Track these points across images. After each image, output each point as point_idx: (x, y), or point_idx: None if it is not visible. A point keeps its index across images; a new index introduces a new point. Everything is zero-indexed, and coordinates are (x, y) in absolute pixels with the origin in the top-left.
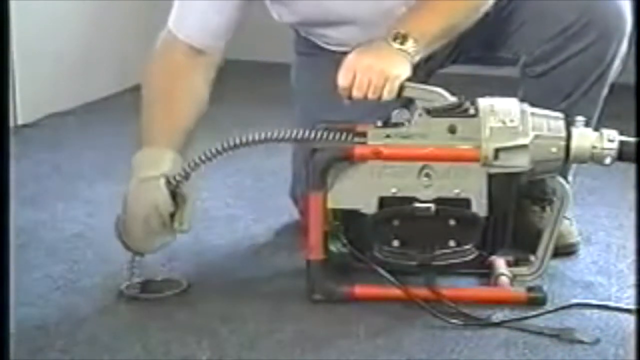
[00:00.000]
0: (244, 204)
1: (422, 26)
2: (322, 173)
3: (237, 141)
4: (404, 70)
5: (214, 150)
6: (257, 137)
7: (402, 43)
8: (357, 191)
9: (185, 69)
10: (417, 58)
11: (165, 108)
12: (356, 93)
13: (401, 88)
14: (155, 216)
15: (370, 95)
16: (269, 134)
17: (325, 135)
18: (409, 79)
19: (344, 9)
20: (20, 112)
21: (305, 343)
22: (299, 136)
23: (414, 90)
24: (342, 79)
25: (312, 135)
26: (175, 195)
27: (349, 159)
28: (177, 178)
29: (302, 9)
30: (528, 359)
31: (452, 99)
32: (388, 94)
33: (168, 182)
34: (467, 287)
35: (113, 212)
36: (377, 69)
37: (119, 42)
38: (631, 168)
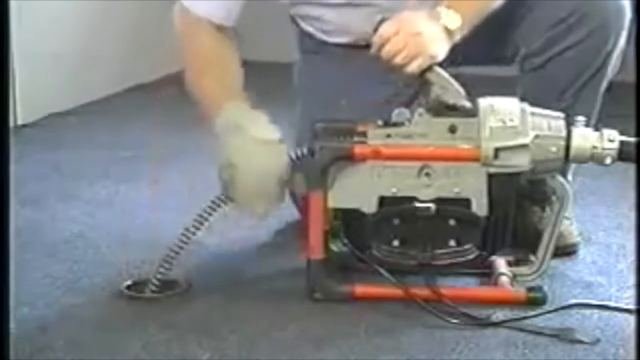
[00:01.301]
0: None
1: (465, 4)
2: (322, 172)
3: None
4: (441, 52)
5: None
6: None
7: (448, 20)
8: (357, 191)
9: (218, 41)
10: (456, 38)
11: (224, 73)
12: (389, 48)
13: (428, 68)
14: (277, 180)
15: (397, 59)
16: None
17: (327, 133)
18: (439, 64)
19: None
20: (20, 112)
21: (305, 343)
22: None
23: (439, 76)
24: (385, 29)
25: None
26: None
27: (349, 158)
28: (302, 154)
29: None
30: (528, 359)
31: (467, 103)
32: (416, 68)
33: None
34: (467, 287)
35: (113, 212)
36: (420, 40)
37: (119, 42)
38: (631, 168)
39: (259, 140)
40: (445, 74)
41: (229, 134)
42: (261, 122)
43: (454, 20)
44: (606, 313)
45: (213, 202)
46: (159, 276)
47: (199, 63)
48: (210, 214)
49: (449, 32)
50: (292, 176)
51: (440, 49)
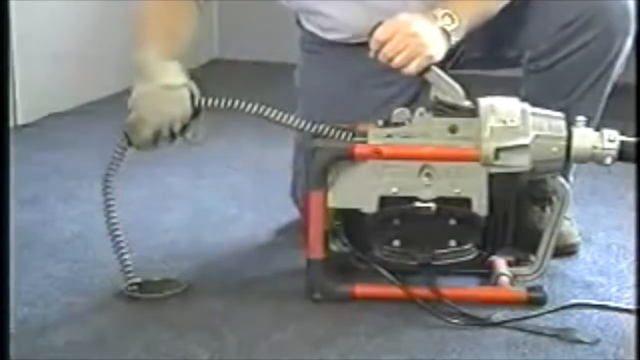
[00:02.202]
0: (244, 203)
1: (464, 7)
2: (322, 172)
3: (250, 109)
4: (439, 53)
5: (233, 103)
6: (270, 114)
7: (445, 22)
8: (357, 190)
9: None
10: (454, 40)
11: (165, 23)
12: (386, 51)
13: (427, 69)
14: (172, 124)
15: (396, 61)
16: (280, 115)
17: (326, 131)
18: (437, 64)
19: None
20: (21, 112)
21: (305, 343)
22: (303, 127)
23: (437, 77)
24: (382, 32)
25: (315, 128)
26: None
27: (349, 158)
28: (213, 103)
29: None
30: (528, 359)
31: (466, 102)
32: (414, 69)
33: (192, 97)
34: (467, 287)
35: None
36: (417, 40)
37: (119, 42)
38: (631, 168)
39: (163, 86)
40: (444, 74)
41: (138, 80)
42: (169, 69)
43: (451, 22)
44: (606, 313)
45: (117, 148)
46: (157, 278)
47: (152, 11)
48: (118, 160)
49: (446, 33)
50: (194, 122)
51: (438, 50)
